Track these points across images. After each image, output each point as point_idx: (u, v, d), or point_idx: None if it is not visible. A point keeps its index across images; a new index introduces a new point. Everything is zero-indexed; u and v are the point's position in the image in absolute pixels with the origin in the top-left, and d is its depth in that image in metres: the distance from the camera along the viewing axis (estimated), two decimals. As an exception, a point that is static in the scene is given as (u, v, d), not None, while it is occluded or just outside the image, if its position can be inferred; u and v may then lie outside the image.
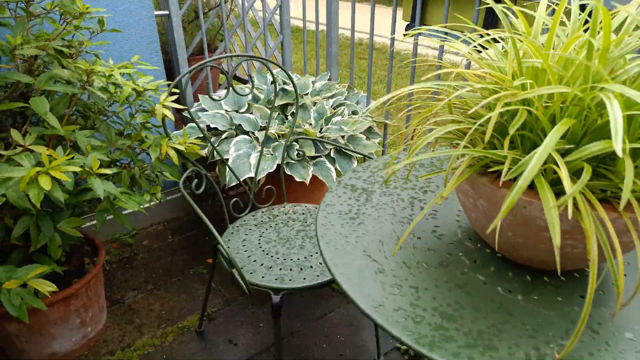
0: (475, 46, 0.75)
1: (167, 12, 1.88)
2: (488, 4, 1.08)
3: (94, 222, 2.00)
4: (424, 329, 0.64)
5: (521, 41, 0.68)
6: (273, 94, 1.49)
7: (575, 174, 0.62)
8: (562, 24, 0.87)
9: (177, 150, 1.22)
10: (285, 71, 1.43)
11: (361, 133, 1.83)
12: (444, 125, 0.65)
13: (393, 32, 1.69)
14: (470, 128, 0.66)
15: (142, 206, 1.18)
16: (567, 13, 1.21)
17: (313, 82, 2.05)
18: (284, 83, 2.00)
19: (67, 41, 1.11)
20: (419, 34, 1.73)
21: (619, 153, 0.44)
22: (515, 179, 0.64)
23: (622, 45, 0.60)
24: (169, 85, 1.79)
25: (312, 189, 1.82)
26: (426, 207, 0.92)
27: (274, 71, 2.29)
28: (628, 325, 0.66)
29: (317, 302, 1.76)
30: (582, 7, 1.26)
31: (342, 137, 1.78)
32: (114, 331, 1.64)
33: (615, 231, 0.58)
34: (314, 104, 1.91)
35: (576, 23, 0.68)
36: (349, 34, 6.78)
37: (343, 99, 1.99)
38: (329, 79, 2.17)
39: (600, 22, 0.58)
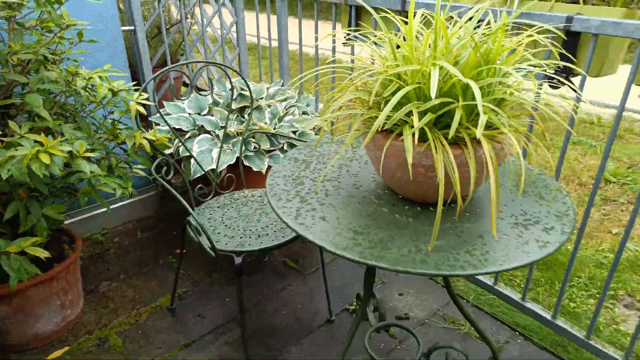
0: (379, 46, 1.03)
1: (132, 27, 2.11)
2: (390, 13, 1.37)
3: (71, 220, 2.16)
4: (341, 240, 0.90)
5: (404, 39, 0.96)
6: (231, 98, 1.73)
7: (437, 126, 0.90)
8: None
9: (149, 141, 1.45)
10: (242, 77, 1.68)
11: (310, 130, 2.10)
12: (350, 97, 0.92)
13: (333, 42, 1.98)
14: (367, 99, 0.93)
15: (119, 192, 1.39)
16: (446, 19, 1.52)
17: (267, 88, 2.32)
18: (242, 89, 2.25)
19: (51, 50, 1.33)
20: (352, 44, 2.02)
21: (432, 96, 0.72)
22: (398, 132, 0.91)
23: (460, 39, 0.90)
24: (137, 90, 2.01)
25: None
26: (341, 158, 1.19)
27: (233, 79, 2.55)
28: (480, 232, 0.94)
29: (276, 279, 2.00)
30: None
31: (294, 132, 2.04)
32: (91, 315, 1.81)
33: (457, 162, 0.86)
34: (269, 106, 2.17)
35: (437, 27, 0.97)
36: (297, 48, 7.12)
37: (294, 102, 2.26)
38: (282, 85, 2.44)
39: (458, 24, 0.86)
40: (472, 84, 0.76)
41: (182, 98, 2.22)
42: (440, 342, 1.38)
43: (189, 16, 2.94)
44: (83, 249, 2.19)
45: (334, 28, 2.01)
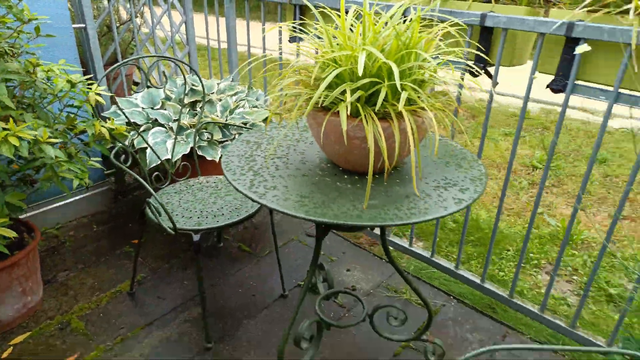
0: (321, 38, 1.18)
1: (83, 25, 2.16)
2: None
3: (26, 214, 2.17)
4: (290, 203, 1.04)
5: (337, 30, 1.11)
6: (184, 93, 1.83)
7: (368, 104, 1.07)
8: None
9: (108, 130, 1.53)
10: (194, 71, 1.79)
11: (261, 122, 2.23)
12: (293, 78, 1.07)
13: (280, 42, 2.13)
14: (310, 82, 1.08)
15: (75, 183, 1.46)
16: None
17: (218, 84, 2.42)
18: (193, 85, 2.34)
19: (10, 44, 1.38)
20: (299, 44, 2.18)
21: (360, 73, 0.88)
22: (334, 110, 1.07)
23: (386, 30, 1.07)
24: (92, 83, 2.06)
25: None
26: (283, 133, 1.34)
27: (185, 74, 2.63)
28: (407, 194, 1.11)
29: (231, 263, 2.11)
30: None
31: (245, 124, 2.17)
32: (51, 302, 1.85)
33: (384, 134, 1.03)
34: (219, 100, 2.28)
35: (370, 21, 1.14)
36: (245, 50, 7.20)
37: (244, 96, 2.38)
38: (232, 81, 2.55)
39: (392, 17, 1.03)
40: (393, 65, 0.92)
41: (138, 91, 2.29)
42: (382, 303, 1.55)
43: (138, 15, 2.98)
44: (39, 243, 2.20)
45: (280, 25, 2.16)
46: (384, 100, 1.03)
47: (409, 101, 1.07)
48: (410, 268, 2.10)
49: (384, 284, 2.00)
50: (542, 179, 1.58)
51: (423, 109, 1.07)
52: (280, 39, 2.23)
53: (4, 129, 1.13)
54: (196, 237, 1.51)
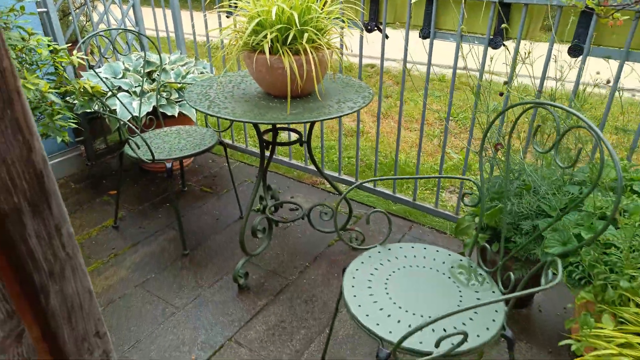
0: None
1: (46, 9, 2.51)
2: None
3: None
4: (237, 116, 1.54)
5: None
6: (144, 62, 2.25)
7: (285, 45, 1.57)
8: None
9: (90, 87, 1.95)
10: (152, 42, 2.22)
11: (209, 85, 2.68)
12: (230, 31, 1.55)
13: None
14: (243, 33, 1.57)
15: (59, 139, 1.86)
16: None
17: (168, 57, 2.84)
18: (148, 59, 2.75)
19: (5, 20, 1.76)
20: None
21: (273, 17, 1.38)
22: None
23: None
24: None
25: (181, 121, 2.62)
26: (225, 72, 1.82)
27: (135, 53, 3.01)
28: (318, 107, 1.63)
29: (196, 200, 2.57)
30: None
31: (196, 87, 2.61)
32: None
33: (297, 64, 1.54)
34: (172, 69, 2.71)
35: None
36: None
37: (192, 66, 2.82)
38: (180, 54, 2.97)
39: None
40: (295, 13, 1.43)
41: (98, 65, 2.67)
42: (316, 202, 2.08)
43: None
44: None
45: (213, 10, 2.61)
46: (295, 40, 1.54)
47: (313, 42, 1.59)
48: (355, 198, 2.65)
49: (320, 204, 2.53)
50: (445, 127, 2.16)
51: (321, 47, 1.59)
52: (220, 23, 2.68)
53: (22, 78, 1.53)
54: (168, 165, 1.97)
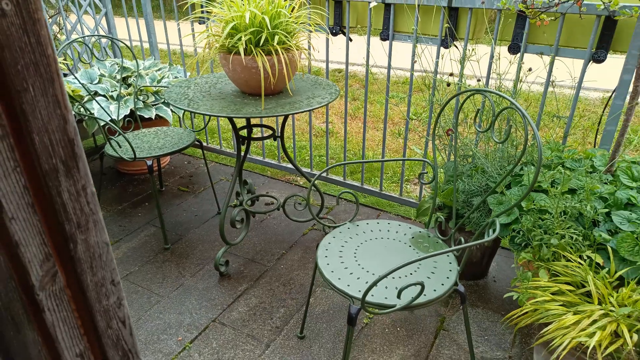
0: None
1: (21, 19, 2.59)
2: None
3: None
4: (215, 112, 1.68)
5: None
6: (120, 67, 2.36)
7: (258, 46, 1.73)
8: None
9: (69, 92, 2.04)
10: (129, 48, 2.33)
11: (183, 88, 2.80)
12: (206, 34, 1.70)
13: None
14: (219, 37, 1.72)
15: None
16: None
17: (143, 63, 2.95)
18: (123, 65, 2.85)
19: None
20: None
21: (247, 21, 1.53)
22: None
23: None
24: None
25: (158, 123, 2.73)
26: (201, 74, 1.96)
27: (111, 59, 3.10)
28: (290, 102, 1.80)
29: (175, 199, 2.68)
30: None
31: (171, 90, 2.73)
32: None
33: (270, 63, 1.70)
34: (147, 74, 2.82)
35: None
36: (165, 47, 7.54)
37: (167, 71, 2.94)
38: (154, 60, 3.08)
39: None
40: (266, 17, 1.59)
41: (82, 67, 2.75)
42: (290, 194, 2.23)
43: (64, 8, 3.39)
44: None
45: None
46: (267, 42, 1.70)
47: (284, 43, 1.75)
48: (336, 193, 2.81)
49: (294, 195, 2.69)
50: (406, 125, 2.35)
51: (291, 48, 1.75)
52: (192, 29, 2.81)
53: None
54: (149, 162, 2.09)
